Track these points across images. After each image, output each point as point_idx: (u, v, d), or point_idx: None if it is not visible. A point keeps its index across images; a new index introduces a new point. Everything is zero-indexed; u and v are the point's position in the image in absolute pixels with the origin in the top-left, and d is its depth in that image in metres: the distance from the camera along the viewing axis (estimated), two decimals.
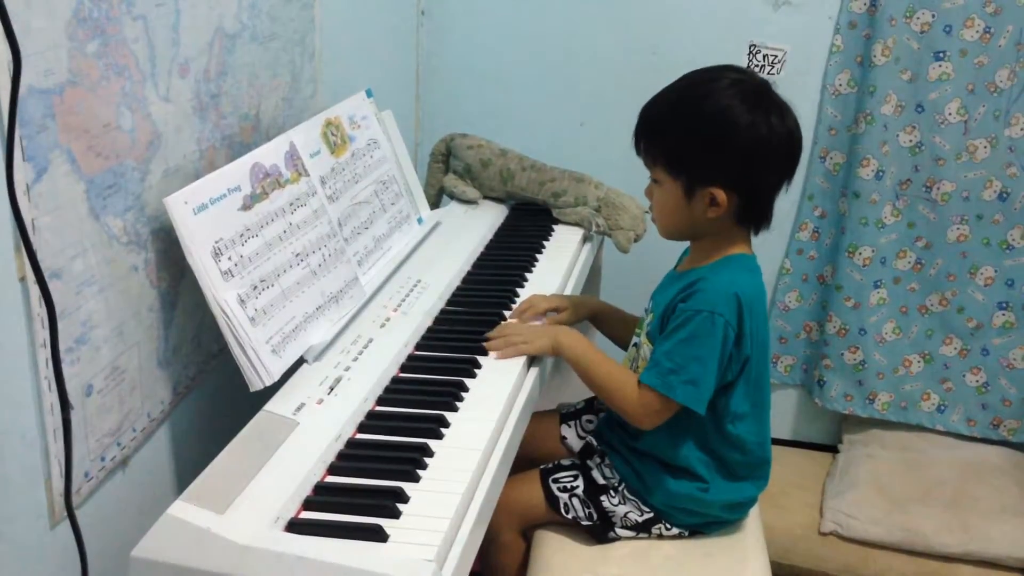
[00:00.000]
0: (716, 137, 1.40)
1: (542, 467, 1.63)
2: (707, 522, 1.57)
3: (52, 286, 1.06)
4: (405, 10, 2.41)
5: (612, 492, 1.57)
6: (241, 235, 1.34)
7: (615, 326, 1.75)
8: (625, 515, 1.55)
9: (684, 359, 1.41)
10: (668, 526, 1.56)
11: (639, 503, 1.55)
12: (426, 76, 2.55)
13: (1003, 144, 2.21)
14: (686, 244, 1.60)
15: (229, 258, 1.30)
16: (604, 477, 1.59)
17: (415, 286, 1.69)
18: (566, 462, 1.64)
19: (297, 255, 1.44)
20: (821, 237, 2.42)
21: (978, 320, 2.35)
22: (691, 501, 1.53)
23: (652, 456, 1.54)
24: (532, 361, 1.52)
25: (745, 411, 1.49)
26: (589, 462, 1.62)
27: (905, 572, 2.15)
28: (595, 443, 1.65)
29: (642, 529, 1.56)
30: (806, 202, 2.39)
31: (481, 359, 1.49)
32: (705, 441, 1.50)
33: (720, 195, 1.41)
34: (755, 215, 1.47)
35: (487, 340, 1.52)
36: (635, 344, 1.57)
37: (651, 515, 1.55)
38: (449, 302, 1.69)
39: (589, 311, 1.76)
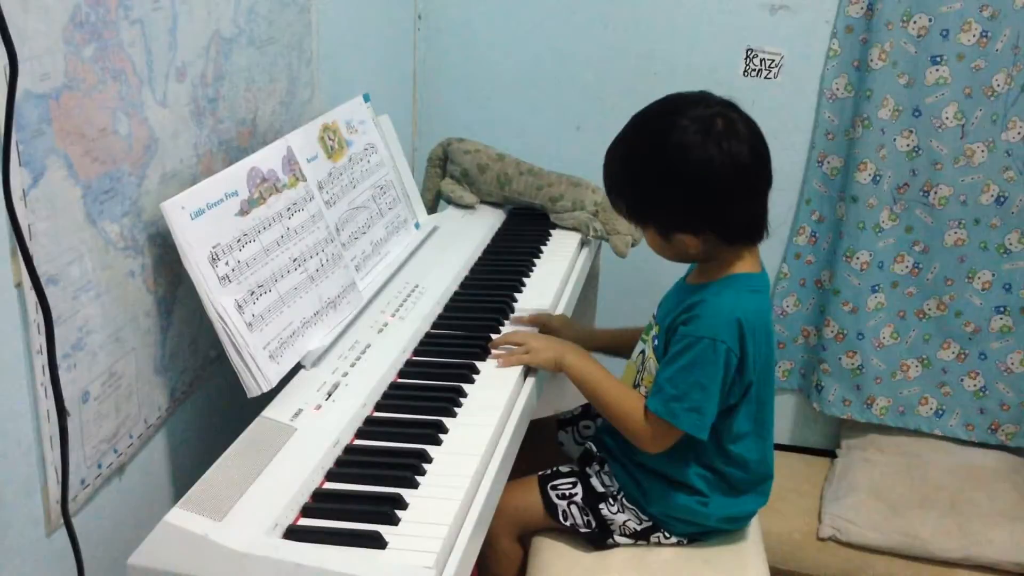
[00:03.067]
0: (670, 195, 1.38)
1: (540, 474, 1.62)
2: (706, 532, 1.56)
3: (48, 292, 1.06)
4: (402, 15, 2.41)
5: (611, 500, 1.56)
6: (238, 240, 1.33)
7: (625, 350, 1.73)
8: (624, 523, 1.55)
9: (687, 386, 1.40)
10: (667, 534, 1.55)
11: (638, 511, 1.55)
12: (423, 81, 2.54)
13: (1000, 148, 2.22)
14: None
15: (226, 263, 1.30)
16: (603, 485, 1.58)
17: (413, 291, 1.68)
18: (564, 469, 1.63)
19: (294, 260, 1.44)
20: (819, 241, 2.42)
21: (976, 324, 2.35)
22: (690, 513, 1.52)
23: (651, 469, 1.53)
24: (530, 367, 1.51)
25: (747, 430, 1.48)
26: (588, 469, 1.61)
27: None
28: (594, 449, 1.65)
29: (641, 537, 1.55)
30: (804, 206, 2.39)
31: (479, 365, 1.49)
32: (705, 459, 1.49)
33: (690, 240, 1.41)
34: (742, 235, 1.44)
35: (491, 344, 1.53)
36: (641, 351, 1.56)
37: (650, 524, 1.55)
38: (447, 307, 1.68)
39: (593, 344, 1.70)
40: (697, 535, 1.56)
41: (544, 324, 1.64)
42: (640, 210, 1.45)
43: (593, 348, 1.73)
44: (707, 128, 1.35)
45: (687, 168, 1.35)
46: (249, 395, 1.30)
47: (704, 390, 1.39)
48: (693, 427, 1.41)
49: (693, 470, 1.50)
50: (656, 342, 1.50)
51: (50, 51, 1.05)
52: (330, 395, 1.35)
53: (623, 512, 1.55)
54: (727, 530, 1.58)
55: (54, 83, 1.06)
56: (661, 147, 1.37)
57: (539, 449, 1.74)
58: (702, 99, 1.40)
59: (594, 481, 1.59)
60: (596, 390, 1.50)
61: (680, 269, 1.59)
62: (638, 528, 1.55)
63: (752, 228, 1.43)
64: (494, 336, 1.57)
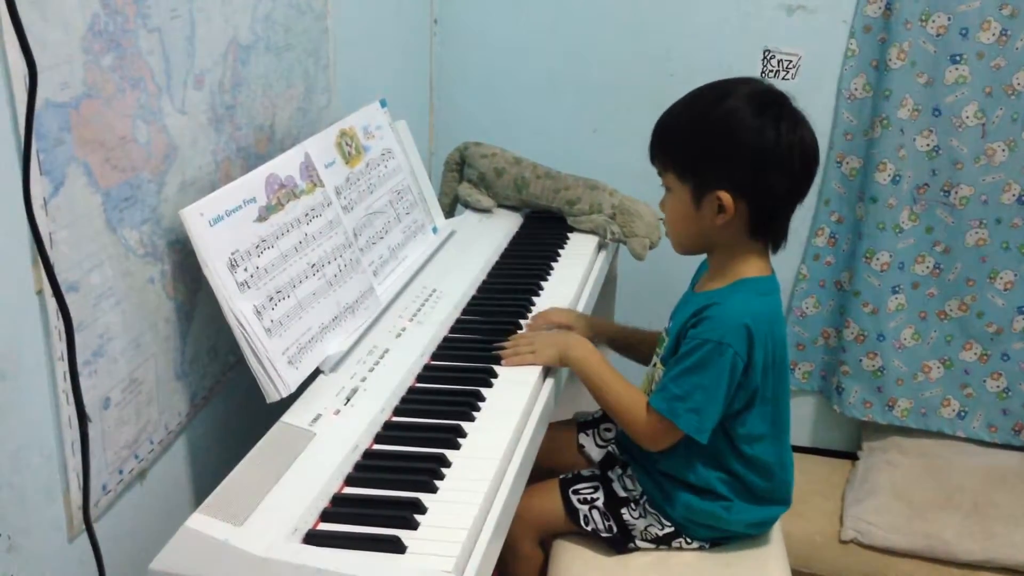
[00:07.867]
0: (721, 139, 1.39)
1: (561, 477, 1.62)
2: (728, 536, 1.55)
3: (69, 299, 1.07)
4: (418, 19, 2.41)
5: (633, 505, 1.55)
6: (257, 246, 1.34)
7: (636, 349, 1.73)
8: (646, 528, 1.54)
9: (690, 387, 1.40)
10: (689, 540, 1.54)
11: (660, 516, 1.54)
12: (439, 85, 2.55)
13: (1021, 147, 2.20)
14: (701, 257, 1.58)
15: (245, 269, 1.30)
16: (625, 489, 1.57)
17: (430, 296, 1.68)
18: (586, 473, 1.63)
19: (313, 266, 1.44)
20: (838, 242, 2.40)
21: (998, 325, 2.33)
22: (713, 519, 1.51)
23: (674, 476, 1.52)
24: (548, 370, 1.51)
25: (763, 432, 1.47)
26: (610, 473, 1.61)
27: None
28: (617, 453, 1.64)
29: (662, 542, 1.55)
30: (823, 207, 2.38)
31: (497, 368, 1.48)
32: (724, 463, 1.48)
33: (726, 199, 1.38)
34: (766, 227, 1.43)
35: (500, 348, 1.52)
36: (653, 364, 1.55)
37: (672, 529, 1.54)
38: (464, 311, 1.68)
39: (604, 336, 1.73)
40: (719, 539, 1.56)
41: (558, 323, 1.63)
42: (686, 159, 1.43)
43: (605, 338, 1.73)
44: (779, 102, 1.41)
45: (746, 123, 1.38)
46: (268, 400, 1.31)
47: (707, 392, 1.39)
48: (692, 428, 1.41)
49: (715, 475, 1.49)
50: (664, 352, 1.50)
51: (69, 60, 1.05)
52: (349, 400, 1.35)
53: (645, 517, 1.54)
54: (749, 535, 1.57)
55: (73, 92, 1.07)
56: (725, 101, 1.40)
57: (560, 452, 1.74)
58: (764, 82, 1.47)
59: (616, 486, 1.58)
60: (599, 385, 1.50)
61: (690, 272, 1.59)
62: (660, 534, 1.54)
63: (780, 224, 1.43)
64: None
